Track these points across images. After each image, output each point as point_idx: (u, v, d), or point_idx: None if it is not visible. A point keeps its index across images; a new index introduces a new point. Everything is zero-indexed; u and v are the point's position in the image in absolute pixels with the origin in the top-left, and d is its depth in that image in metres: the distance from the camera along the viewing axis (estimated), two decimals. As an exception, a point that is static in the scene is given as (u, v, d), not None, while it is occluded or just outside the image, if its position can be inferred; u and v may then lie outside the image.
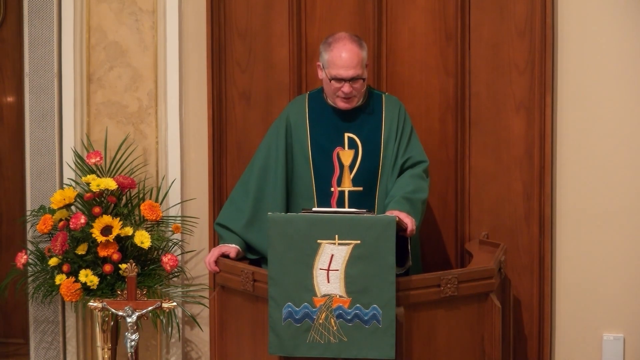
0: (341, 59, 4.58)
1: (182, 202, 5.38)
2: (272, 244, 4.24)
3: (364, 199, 4.64)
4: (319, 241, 4.21)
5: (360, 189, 4.68)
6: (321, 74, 4.68)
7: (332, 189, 4.68)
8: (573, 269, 5.10)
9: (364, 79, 4.63)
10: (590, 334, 5.11)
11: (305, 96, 4.85)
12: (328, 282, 4.21)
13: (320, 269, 4.21)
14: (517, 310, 5.07)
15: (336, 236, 4.20)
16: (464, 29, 5.10)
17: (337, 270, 4.21)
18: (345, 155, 4.70)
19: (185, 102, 5.40)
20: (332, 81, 4.61)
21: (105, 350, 5.16)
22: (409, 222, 4.41)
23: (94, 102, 5.43)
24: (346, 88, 4.61)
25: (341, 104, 4.67)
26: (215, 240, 5.27)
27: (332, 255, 4.21)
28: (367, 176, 4.69)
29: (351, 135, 4.71)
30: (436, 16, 5.13)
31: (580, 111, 5.05)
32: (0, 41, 5.79)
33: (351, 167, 4.69)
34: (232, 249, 4.67)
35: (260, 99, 5.27)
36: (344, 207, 4.62)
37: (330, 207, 4.65)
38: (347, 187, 4.67)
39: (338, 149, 4.71)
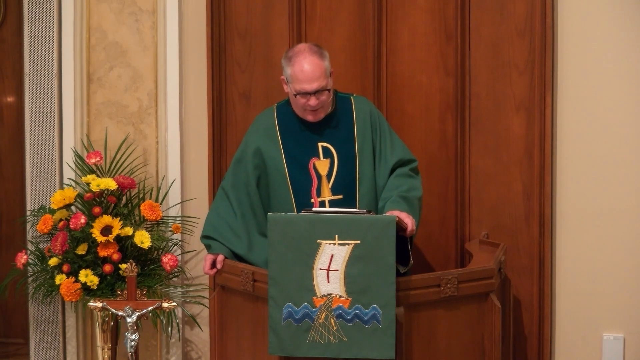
0: (303, 72, 4.50)
1: (182, 202, 5.38)
2: (272, 244, 4.24)
3: (345, 206, 4.60)
4: (319, 241, 4.21)
5: (341, 196, 4.65)
6: (286, 88, 4.62)
7: (312, 200, 4.65)
8: (573, 269, 5.10)
9: (329, 90, 4.56)
10: (590, 334, 5.11)
11: (273, 109, 4.76)
12: (328, 282, 4.21)
13: (320, 269, 4.21)
14: (517, 310, 5.07)
15: (336, 236, 4.20)
16: (464, 29, 5.10)
17: (337, 270, 4.20)
18: (322, 165, 4.66)
19: (185, 102, 5.40)
20: (298, 96, 4.54)
21: (105, 350, 5.16)
22: (409, 222, 4.41)
23: (94, 102, 5.43)
24: (312, 101, 4.54)
25: (310, 117, 4.61)
26: (215, 240, 5.28)
27: (332, 255, 4.21)
28: (345, 183, 4.65)
29: (325, 144, 4.67)
30: (436, 16, 5.13)
31: (580, 111, 5.05)
32: (0, 41, 5.79)
33: (328, 176, 4.66)
34: (220, 257, 4.64)
35: (260, 99, 5.27)
36: None
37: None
38: (327, 196, 4.64)
39: (313, 160, 4.66)
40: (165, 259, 5.10)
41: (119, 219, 5.05)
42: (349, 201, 4.63)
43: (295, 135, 4.67)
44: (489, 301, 4.42)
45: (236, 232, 4.64)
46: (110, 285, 5.02)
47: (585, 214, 5.07)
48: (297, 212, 4.56)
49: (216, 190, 5.29)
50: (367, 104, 4.75)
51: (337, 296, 4.21)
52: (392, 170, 4.68)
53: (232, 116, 5.31)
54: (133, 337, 4.67)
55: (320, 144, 4.66)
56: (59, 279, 5.03)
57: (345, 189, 4.65)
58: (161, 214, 5.20)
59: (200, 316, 5.34)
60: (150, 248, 5.09)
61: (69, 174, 5.42)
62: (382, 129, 4.69)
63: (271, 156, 4.66)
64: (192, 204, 5.39)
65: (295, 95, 4.55)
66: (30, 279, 5.27)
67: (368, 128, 4.66)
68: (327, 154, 4.66)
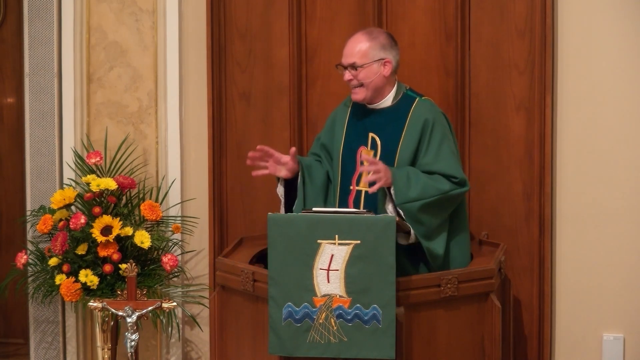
0: (346, 46, 4.64)
1: (182, 202, 5.38)
2: (273, 244, 4.24)
3: (378, 200, 4.60)
4: (319, 241, 4.21)
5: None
6: None
7: (351, 187, 4.66)
8: (573, 269, 5.10)
9: (360, 67, 4.58)
10: (590, 334, 5.11)
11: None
12: (328, 282, 4.21)
13: (321, 269, 4.21)
14: (517, 310, 5.07)
15: (336, 236, 4.20)
16: (464, 29, 5.10)
17: (337, 270, 4.21)
18: (366, 154, 4.67)
19: (185, 102, 5.40)
20: (339, 67, 4.65)
21: (105, 350, 5.16)
22: (374, 174, 4.38)
23: (94, 102, 5.43)
24: (346, 75, 4.62)
25: (352, 96, 4.68)
26: (215, 241, 5.28)
27: (332, 255, 4.21)
28: None
29: (374, 135, 4.69)
30: (436, 16, 5.13)
31: (580, 111, 5.05)
32: (0, 41, 5.79)
33: None
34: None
35: (260, 99, 5.27)
36: (360, 207, 4.59)
37: (348, 205, 4.63)
38: (364, 187, 4.65)
39: (361, 148, 4.69)
40: (165, 259, 5.10)
41: (119, 219, 5.05)
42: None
43: (356, 122, 4.72)
44: (489, 301, 4.42)
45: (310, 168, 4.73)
46: (110, 285, 5.02)
47: (585, 213, 5.07)
48: (340, 194, 4.64)
49: (216, 190, 5.29)
50: (429, 109, 4.65)
51: (337, 296, 4.21)
52: None
53: (232, 116, 5.31)
54: (133, 337, 4.67)
55: (370, 134, 4.68)
56: (59, 279, 5.03)
57: None
58: (161, 214, 5.20)
59: (200, 316, 5.34)
60: (150, 248, 5.09)
61: (69, 174, 5.42)
62: (432, 137, 4.58)
63: (337, 137, 4.74)
64: (192, 204, 5.39)
65: (336, 66, 4.67)
66: (30, 279, 5.27)
67: (418, 132, 4.59)
68: (373, 145, 4.68)
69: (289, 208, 4.71)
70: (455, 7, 5.09)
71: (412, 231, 4.43)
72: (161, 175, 5.40)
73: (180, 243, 5.34)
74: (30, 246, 5.35)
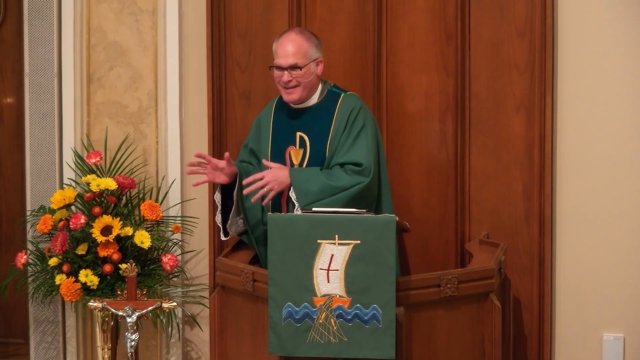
0: (281, 47, 4.68)
1: (182, 202, 5.38)
2: (272, 244, 4.24)
3: None
4: (319, 241, 4.21)
5: None
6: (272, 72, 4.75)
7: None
8: (573, 269, 5.10)
9: (301, 68, 4.63)
10: (590, 334, 5.11)
11: (275, 99, 4.88)
12: (328, 282, 4.21)
13: (320, 269, 4.21)
14: (517, 310, 5.07)
15: (336, 236, 4.21)
16: (464, 29, 5.10)
17: (337, 270, 4.21)
18: (296, 154, 4.72)
19: (185, 102, 5.40)
20: (273, 69, 4.69)
21: (105, 350, 5.16)
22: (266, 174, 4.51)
23: (94, 102, 5.43)
24: (285, 77, 4.66)
25: (284, 96, 4.71)
26: (215, 241, 5.28)
27: (332, 255, 4.21)
28: None
29: (302, 134, 4.72)
30: (436, 16, 5.13)
31: (580, 111, 5.05)
32: (0, 41, 5.79)
33: (300, 166, 4.69)
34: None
35: (260, 99, 5.27)
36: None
37: (281, 208, 4.65)
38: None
39: (290, 148, 4.72)
40: (165, 259, 5.10)
41: (119, 219, 5.05)
42: None
43: (282, 123, 4.77)
44: (489, 301, 4.42)
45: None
46: (110, 285, 5.02)
47: (585, 213, 5.07)
48: (274, 199, 4.64)
49: (216, 190, 5.29)
50: (354, 102, 4.72)
51: (337, 296, 4.21)
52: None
53: (232, 116, 5.31)
54: (133, 337, 4.67)
55: (298, 133, 4.72)
56: (59, 279, 5.03)
57: None
58: (161, 214, 5.20)
59: (200, 316, 5.34)
60: (150, 248, 5.09)
61: (69, 174, 5.42)
62: (353, 128, 4.67)
63: (264, 139, 4.77)
64: (192, 204, 5.39)
65: (270, 68, 4.70)
66: (30, 279, 5.27)
67: (343, 125, 4.68)
68: (302, 143, 4.71)
69: (225, 215, 4.76)
70: (455, 7, 5.09)
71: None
72: (161, 175, 5.40)
73: (180, 243, 5.34)
74: (30, 246, 5.35)
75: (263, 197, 4.57)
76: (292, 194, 4.58)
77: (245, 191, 4.59)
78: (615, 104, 5.01)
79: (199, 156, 4.68)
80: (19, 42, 5.65)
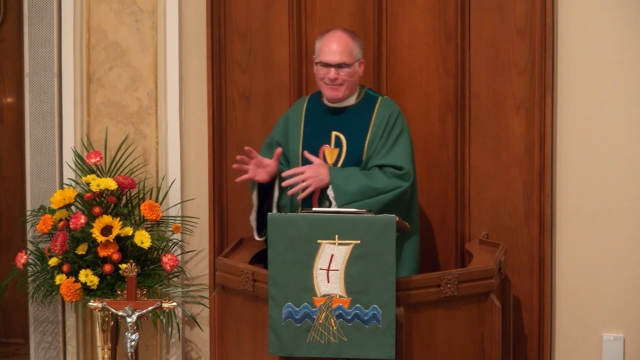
0: (329, 44, 4.66)
1: (182, 202, 5.38)
2: (272, 244, 4.24)
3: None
4: (319, 241, 4.21)
5: None
6: (315, 69, 4.72)
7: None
8: (573, 269, 5.10)
9: (349, 67, 4.64)
10: (590, 334, 5.11)
11: (306, 97, 4.89)
12: (328, 282, 4.21)
13: (320, 269, 4.21)
14: (517, 310, 5.07)
15: (336, 236, 4.21)
16: (464, 29, 5.10)
17: (337, 270, 4.21)
18: (330, 153, 4.71)
19: (185, 102, 5.40)
20: (319, 67, 4.67)
21: (105, 350, 5.16)
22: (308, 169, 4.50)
23: (94, 102, 5.43)
24: (332, 74, 4.64)
25: (328, 92, 4.69)
26: (214, 241, 5.28)
27: (332, 255, 4.21)
28: None
29: (338, 133, 4.72)
30: (436, 16, 5.13)
31: (580, 111, 5.05)
32: (0, 41, 5.79)
33: (334, 165, 4.69)
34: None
35: (260, 99, 5.27)
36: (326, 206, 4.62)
37: (312, 204, 4.64)
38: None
39: (324, 147, 4.72)
40: (165, 259, 5.10)
41: (119, 219, 5.05)
42: None
43: (315, 122, 4.75)
44: (489, 301, 4.42)
45: None
46: (110, 285, 5.02)
47: (585, 214, 5.07)
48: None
49: (216, 190, 5.29)
50: (392, 106, 4.77)
51: (337, 296, 4.21)
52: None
53: (232, 116, 5.31)
54: (133, 337, 4.67)
55: (334, 133, 4.71)
56: (59, 279, 5.03)
57: None
58: (161, 214, 5.20)
59: (200, 316, 5.34)
60: (150, 248, 5.09)
61: (69, 174, 5.42)
62: (391, 133, 4.69)
63: (294, 137, 4.76)
64: (192, 204, 5.39)
65: (316, 64, 4.68)
66: (30, 279, 5.27)
67: (382, 128, 4.68)
68: (337, 143, 4.70)
69: (261, 216, 4.73)
70: (455, 7, 5.09)
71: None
72: (161, 175, 5.40)
73: (180, 243, 5.34)
74: (30, 246, 5.35)
75: (299, 191, 4.56)
76: (330, 192, 4.57)
77: (284, 183, 4.58)
78: (615, 104, 5.02)
79: (249, 151, 4.66)
80: (19, 42, 5.65)
